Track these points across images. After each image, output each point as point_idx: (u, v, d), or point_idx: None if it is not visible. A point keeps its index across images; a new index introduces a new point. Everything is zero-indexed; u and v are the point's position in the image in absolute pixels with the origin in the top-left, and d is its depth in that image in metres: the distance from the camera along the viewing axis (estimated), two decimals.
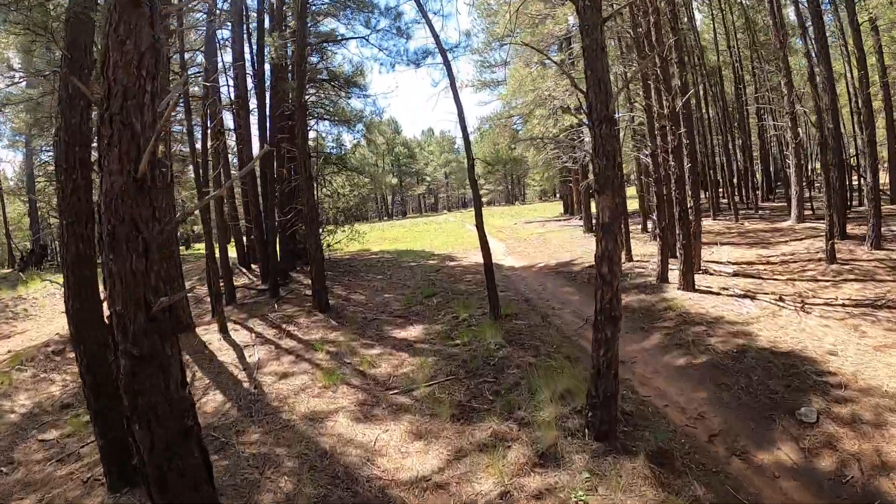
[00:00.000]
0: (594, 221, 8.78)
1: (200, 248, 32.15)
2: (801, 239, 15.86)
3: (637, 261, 16.19)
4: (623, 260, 16.10)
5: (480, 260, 17.33)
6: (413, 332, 10.93)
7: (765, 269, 13.38)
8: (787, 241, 15.98)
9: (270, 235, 16.46)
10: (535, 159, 38.89)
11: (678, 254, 12.74)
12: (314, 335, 11.04)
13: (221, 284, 13.46)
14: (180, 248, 18.41)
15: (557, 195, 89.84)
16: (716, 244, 17.57)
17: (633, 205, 28.50)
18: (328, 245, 19.31)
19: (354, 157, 26.13)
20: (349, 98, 24.96)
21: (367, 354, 9.74)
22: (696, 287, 12.15)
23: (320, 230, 17.83)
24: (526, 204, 78.87)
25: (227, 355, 10.35)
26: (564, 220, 34.25)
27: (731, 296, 11.43)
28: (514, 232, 30.02)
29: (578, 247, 20.23)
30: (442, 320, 11.51)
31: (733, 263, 14.33)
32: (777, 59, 21.33)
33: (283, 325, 11.66)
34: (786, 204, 22.66)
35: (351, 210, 20.68)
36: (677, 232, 13.06)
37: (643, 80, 15.76)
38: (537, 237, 25.92)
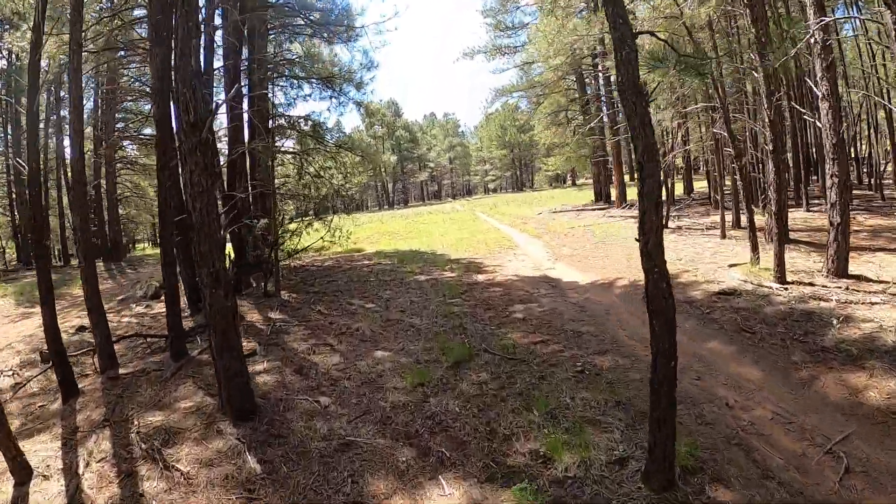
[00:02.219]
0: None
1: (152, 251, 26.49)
2: None
3: (800, 282, 9.99)
4: (771, 280, 10.05)
5: (519, 271, 12.08)
6: None
7: None
8: None
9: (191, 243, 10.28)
10: (560, 138, 32.71)
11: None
12: None
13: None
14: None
15: (570, 180, 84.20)
16: (867, 250, 11.73)
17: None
18: (288, 253, 13.22)
19: (338, 132, 20.22)
20: (329, 42, 18.90)
21: None
22: None
23: (252, 231, 11.90)
24: (537, 190, 72.30)
25: None
26: (600, 208, 28.03)
27: None
28: (545, 225, 23.79)
29: (666, 252, 14.04)
30: (514, 466, 4.90)
31: None
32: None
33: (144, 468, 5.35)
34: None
35: (326, 199, 14.66)
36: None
37: None
38: (581, 232, 19.74)
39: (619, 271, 12.57)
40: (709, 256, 12.98)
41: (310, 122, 17.84)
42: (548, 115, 33.92)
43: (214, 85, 16.27)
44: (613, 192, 30.54)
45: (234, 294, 5.60)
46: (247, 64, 15.66)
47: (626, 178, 32.62)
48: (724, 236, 14.94)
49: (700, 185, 31.24)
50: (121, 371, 8.41)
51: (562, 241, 18.37)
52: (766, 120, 10.20)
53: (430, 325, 9.07)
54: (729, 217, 19.08)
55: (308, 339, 8.81)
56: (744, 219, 17.08)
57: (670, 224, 18.07)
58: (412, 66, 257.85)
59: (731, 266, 11.69)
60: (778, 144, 10.55)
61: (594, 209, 28.00)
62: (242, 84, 15.86)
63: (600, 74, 29.48)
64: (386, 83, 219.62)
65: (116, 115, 27.12)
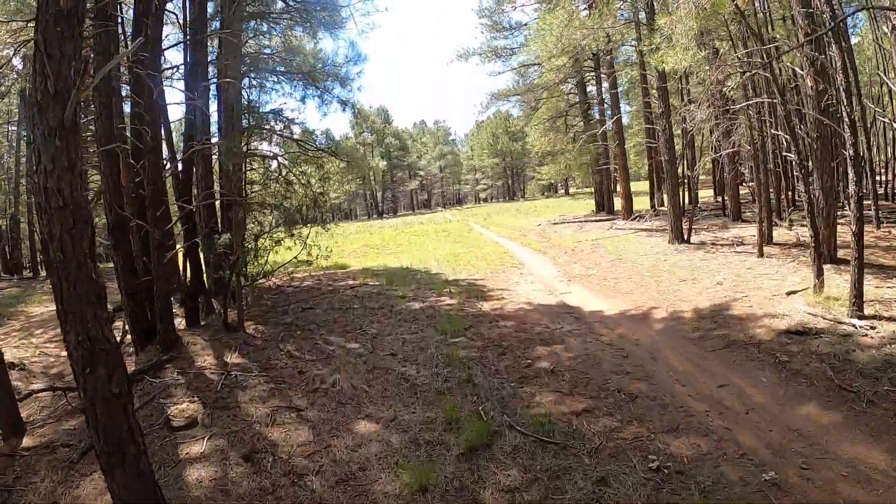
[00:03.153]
0: None
1: None
2: None
3: (880, 317, 8.07)
4: (848, 314, 8.12)
5: (530, 297, 11.43)
6: None
7: None
8: None
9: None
10: (559, 145, 30.86)
11: None
12: None
13: None
14: None
15: (563, 189, 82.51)
16: None
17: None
18: (252, 276, 11.19)
19: (325, 137, 18.20)
20: (312, 34, 17.00)
21: None
22: None
23: (213, 249, 9.97)
24: (529, 200, 70.48)
25: None
26: (604, 219, 26.08)
27: None
28: (548, 238, 21.81)
29: (699, 273, 12.10)
30: None
31: None
32: None
33: None
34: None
35: (300, 210, 12.62)
36: None
37: None
38: (590, 247, 17.76)
39: (649, 297, 10.58)
40: (753, 280, 11.02)
41: (287, 121, 15.85)
42: (545, 121, 32.03)
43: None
44: (617, 203, 28.65)
45: (126, 377, 3.51)
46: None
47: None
48: (761, 254, 13.00)
49: (704, 195, 29.44)
50: (26, 440, 6.33)
51: (571, 257, 16.38)
52: (846, 120, 8.22)
53: (429, 377, 6.99)
54: (749, 230, 17.20)
55: (270, 397, 6.69)
56: (777, 233, 15.25)
57: (692, 239, 16.11)
58: (403, 72, 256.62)
59: (788, 294, 9.73)
60: (858, 149, 8.60)
61: (598, 220, 26.06)
62: (211, 78, 13.84)
63: (604, 78, 27.60)
64: (375, 89, 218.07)
65: None
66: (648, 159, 27.91)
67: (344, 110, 18.76)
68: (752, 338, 7.92)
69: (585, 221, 26.45)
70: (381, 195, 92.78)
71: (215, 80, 13.87)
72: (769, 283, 10.61)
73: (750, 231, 17.32)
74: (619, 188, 25.00)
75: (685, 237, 15.86)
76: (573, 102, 31.39)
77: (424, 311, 10.52)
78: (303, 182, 17.24)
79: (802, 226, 17.08)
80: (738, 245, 15.09)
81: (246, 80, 17.97)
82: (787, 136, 9.89)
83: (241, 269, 10.81)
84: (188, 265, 11.54)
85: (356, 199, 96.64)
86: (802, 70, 11.37)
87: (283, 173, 16.91)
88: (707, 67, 12.50)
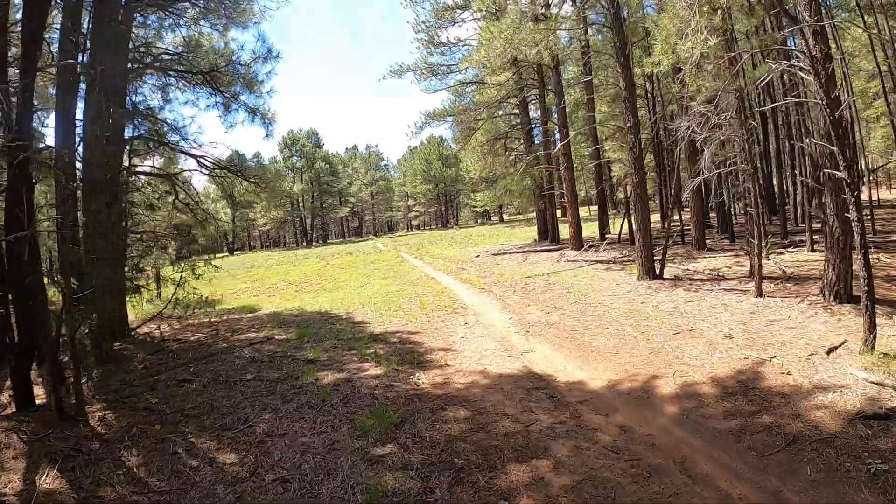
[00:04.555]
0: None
1: None
2: None
3: None
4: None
5: (483, 360, 8.77)
6: None
7: None
8: None
9: None
10: (500, 168, 28.63)
11: None
12: None
13: None
14: None
15: (498, 216, 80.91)
16: None
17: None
18: (89, 331, 7.96)
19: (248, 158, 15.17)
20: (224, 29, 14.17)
21: None
22: None
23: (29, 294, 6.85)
24: (463, 228, 68.27)
25: None
26: (550, 249, 23.69)
27: None
28: (491, 272, 19.15)
29: (694, 321, 9.56)
30: None
31: None
32: None
33: None
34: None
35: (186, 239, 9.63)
36: None
37: None
38: (543, 284, 15.17)
39: (642, 359, 7.94)
40: (768, 330, 8.60)
41: (183, 133, 12.76)
42: (483, 144, 29.72)
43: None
44: (563, 230, 26.41)
45: None
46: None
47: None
48: (760, 293, 10.65)
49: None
50: None
51: (523, 297, 13.71)
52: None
53: None
54: (720, 261, 15.04)
55: None
56: (770, 265, 13.03)
57: (665, 273, 13.73)
58: (333, 95, 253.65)
59: (829, 352, 7.30)
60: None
61: (543, 250, 23.66)
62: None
63: (550, 94, 25.46)
64: (305, 112, 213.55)
65: None
66: (598, 183, 25.81)
67: (252, 120, 15.71)
68: (815, 428, 5.39)
69: (529, 251, 24.00)
70: (310, 222, 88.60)
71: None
72: (792, 336, 8.19)
73: (721, 261, 15.18)
74: (568, 214, 22.71)
75: (657, 272, 13.46)
76: (514, 124, 29.21)
77: (340, 388, 7.49)
78: (199, 205, 14.31)
79: (779, 253, 15.06)
80: (719, 280, 12.80)
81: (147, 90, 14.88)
82: (831, 147, 7.50)
83: (83, 324, 7.58)
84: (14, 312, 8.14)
85: (285, 225, 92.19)
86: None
87: (180, 196, 13.93)
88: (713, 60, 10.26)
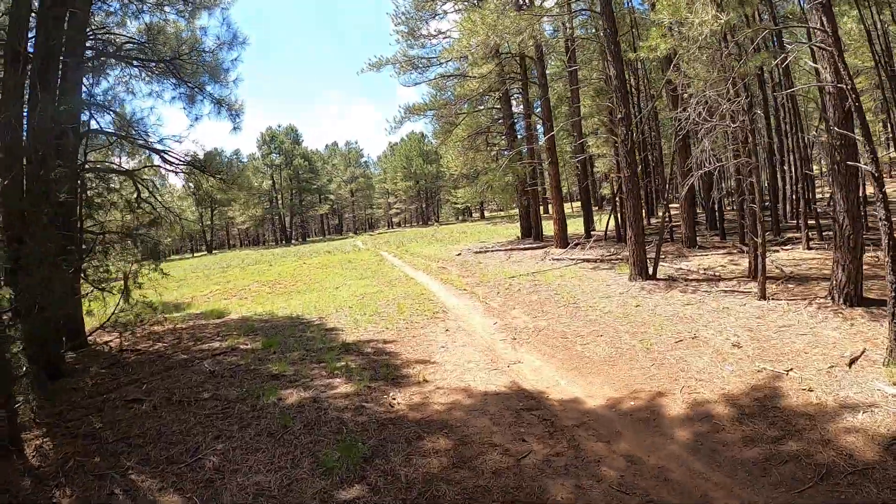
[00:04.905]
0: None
1: None
2: None
3: None
4: None
5: (466, 376, 7.82)
6: None
7: None
8: None
9: None
10: (482, 164, 27.86)
11: None
12: None
13: None
14: None
15: (479, 213, 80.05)
16: None
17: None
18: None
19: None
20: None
21: None
22: None
23: None
24: (444, 225, 67.37)
25: None
26: (534, 247, 22.88)
27: None
28: (473, 271, 18.31)
29: (696, 327, 8.77)
30: None
31: None
32: None
33: None
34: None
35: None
36: None
37: None
38: (529, 284, 14.36)
39: (643, 372, 7.14)
40: (778, 338, 7.86)
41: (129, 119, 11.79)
42: (464, 139, 28.86)
43: None
44: (546, 227, 25.66)
45: None
46: None
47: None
48: (764, 296, 9.92)
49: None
50: None
51: (508, 299, 12.89)
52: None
53: None
54: (713, 259, 14.37)
55: None
56: (746, 262, 12.30)
57: (659, 273, 12.97)
58: (317, 89, 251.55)
59: (850, 364, 6.57)
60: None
61: (527, 248, 22.86)
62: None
63: (533, 87, 24.69)
64: (284, 105, 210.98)
65: None
66: (582, 179, 25.06)
67: (219, 112, 14.75)
68: (849, 457, 4.68)
69: (512, 250, 23.19)
70: (289, 220, 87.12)
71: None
72: (805, 344, 7.46)
73: (715, 260, 14.50)
74: (552, 211, 21.90)
75: (651, 272, 12.70)
76: (496, 118, 28.39)
77: (304, 410, 6.59)
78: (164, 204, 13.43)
79: (773, 251, 14.40)
80: (716, 281, 12.08)
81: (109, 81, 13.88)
82: (853, 136, 6.75)
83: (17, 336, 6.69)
84: None
85: (264, 223, 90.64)
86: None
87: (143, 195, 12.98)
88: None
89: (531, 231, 26.45)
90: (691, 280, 12.41)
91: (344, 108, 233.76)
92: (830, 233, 17.05)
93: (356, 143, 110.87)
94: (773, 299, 9.87)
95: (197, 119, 14.70)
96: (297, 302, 15.32)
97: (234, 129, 14.77)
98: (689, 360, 7.31)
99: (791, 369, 6.60)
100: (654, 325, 9.13)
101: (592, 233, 23.37)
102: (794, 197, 19.38)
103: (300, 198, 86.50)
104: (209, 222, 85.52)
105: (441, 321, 11.05)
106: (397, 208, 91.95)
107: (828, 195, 21.28)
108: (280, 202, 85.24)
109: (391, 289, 15.72)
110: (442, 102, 28.39)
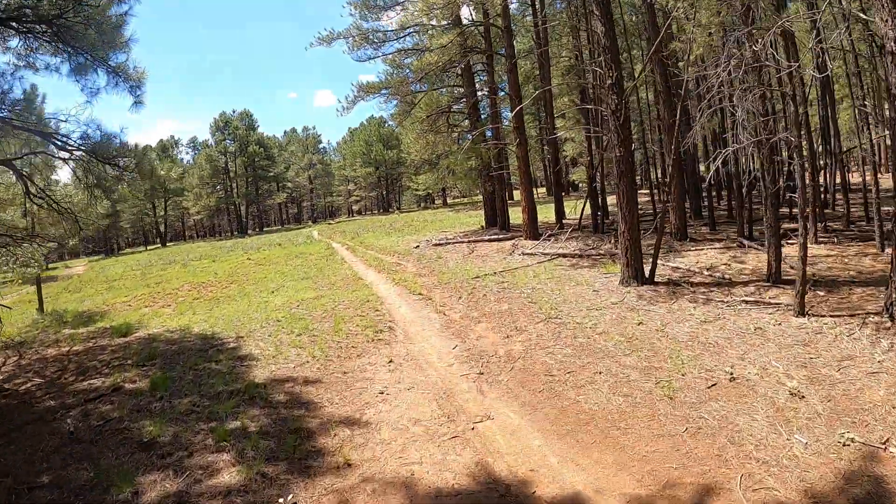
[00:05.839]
0: None
1: None
2: None
3: None
4: None
5: (410, 449, 5.42)
6: None
7: None
8: None
9: None
10: (442, 147, 25.37)
11: None
12: None
13: None
14: None
15: (441, 200, 77.42)
16: None
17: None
18: None
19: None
20: None
21: None
22: None
23: None
24: (405, 212, 64.73)
25: None
26: (500, 238, 20.45)
27: None
28: (431, 268, 15.80)
29: (731, 360, 6.41)
30: None
31: None
32: None
33: None
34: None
35: None
36: None
37: None
38: (496, 287, 11.95)
39: (674, 446, 4.79)
40: (843, 378, 5.68)
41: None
42: (423, 121, 26.24)
43: None
44: (513, 215, 23.30)
45: None
46: None
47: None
48: (803, 311, 7.70)
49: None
50: None
51: (472, 309, 10.47)
52: None
53: None
54: (711, 256, 12.25)
55: None
56: (756, 260, 10.12)
57: (657, 273, 10.65)
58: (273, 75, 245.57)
59: None
60: None
61: (492, 240, 20.44)
62: None
63: (501, 63, 22.22)
64: (238, 90, 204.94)
65: None
66: (553, 163, 22.64)
67: (116, 84, 11.92)
68: None
69: (476, 241, 20.74)
70: (244, 210, 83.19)
71: None
72: (885, 391, 5.25)
73: (713, 256, 12.37)
74: (520, 198, 19.46)
75: (647, 274, 10.38)
76: (458, 96, 25.85)
77: None
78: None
79: (791, 243, 12.29)
80: (728, 286, 9.83)
81: None
82: None
83: None
84: None
85: (219, 213, 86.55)
86: None
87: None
88: None
89: (496, 220, 24.00)
90: (696, 284, 10.15)
91: (306, 97, 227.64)
92: (838, 224, 15.26)
93: (314, 128, 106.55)
94: (812, 314, 7.65)
95: (93, 93, 11.88)
96: (220, 313, 12.69)
97: (135, 103, 11.93)
98: (737, 422, 5.01)
99: (888, 441, 4.36)
100: (671, 355, 6.80)
101: (564, 221, 21.07)
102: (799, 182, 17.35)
103: (256, 186, 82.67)
104: (162, 213, 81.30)
105: (385, 344, 8.58)
106: (357, 195, 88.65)
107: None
108: (235, 191, 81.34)
109: (332, 294, 13.17)
110: (398, 80, 25.70)
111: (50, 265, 60.17)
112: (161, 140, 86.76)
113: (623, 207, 10.21)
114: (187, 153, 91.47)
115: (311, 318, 10.71)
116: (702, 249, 13.53)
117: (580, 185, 40.94)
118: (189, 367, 8.35)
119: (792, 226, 14.53)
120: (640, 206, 12.96)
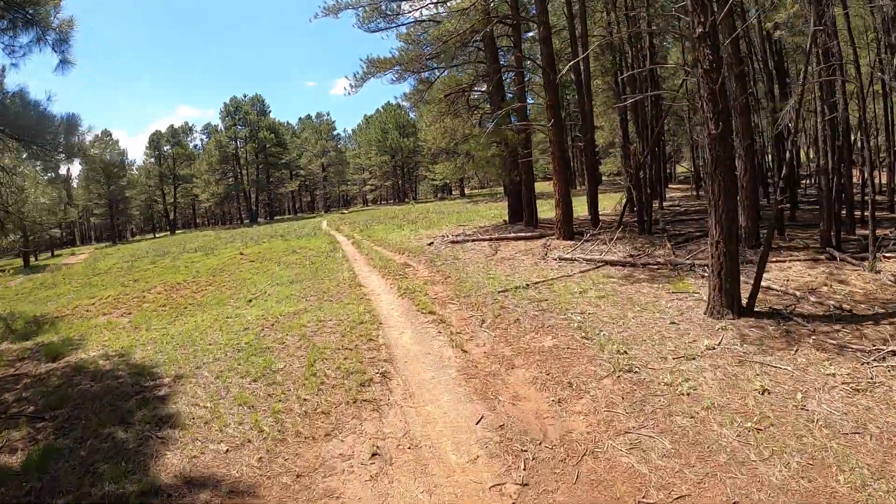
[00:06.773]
0: None
1: None
2: None
3: None
4: None
5: None
6: None
7: None
8: None
9: None
10: (462, 131, 22.52)
11: None
12: None
13: None
14: None
15: (459, 190, 74.50)
16: None
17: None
18: None
19: None
20: None
21: None
22: None
23: None
24: (421, 203, 61.95)
25: None
26: (528, 236, 17.49)
27: None
28: (444, 273, 12.93)
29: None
30: None
31: None
32: None
33: None
34: None
35: None
36: None
37: None
38: (530, 307, 9.10)
39: None
40: None
41: None
42: (440, 101, 23.33)
43: None
44: (542, 209, 20.38)
45: None
46: None
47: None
48: None
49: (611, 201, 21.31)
50: None
51: (498, 338, 7.66)
52: None
53: None
54: (798, 272, 9.35)
55: None
56: (859, 281, 7.17)
57: (758, 301, 7.74)
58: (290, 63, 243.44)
59: None
60: None
61: (519, 237, 17.53)
62: None
63: (531, 31, 19.27)
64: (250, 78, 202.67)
65: None
66: (590, 152, 19.52)
67: (38, 42, 9.31)
68: None
69: (500, 239, 17.85)
70: (255, 197, 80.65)
71: None
72: None
73: (801, 272, 9.43)
74: (554, 190, 16.46)
75: (745, 301, 7.46)
76: (480, 73, 22.91)
77: None
78: None
79: (885, 257, 9.39)
80: (855, 324, 6.90)
81: None
82: None
83: None
84: None
85: (229, 201, 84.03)
86: None
87: None
88: None
89: (522, 214, 21.02)
90: (808, 318, 7.21)
91: (325, 87, 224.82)
92: None
93: (328, 114, 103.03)
94: None
95: (13, 53, 9.22)
96: (176, 331, 10.00)
97: (62, 63, 9.23)
98: None
99: None
100: (838, 459, 3.92)
101: (600, 218, 18.14)
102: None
103: (267, 173, 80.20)
104: (171, 200, 79.20)
105: (373, 410, 5.74)
106: (372, 184, 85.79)
107: None
108: (245, 178, 78.87)
109: (320, 307, 10.39)
110: (413, 55, 22.78)
111: (56, 252, 58.36)
112: (171, 126, 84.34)
113: (718, 206, 7.24)
114: (202, 139, 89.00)
115: (281, 348, 7.92)
116: (783, 261, 10.57)
117: (602, 177, 37.98)
118: (91, 432, 5.67)
119: (885, 232, 11.59)
120: (675, 202, 10.01)
